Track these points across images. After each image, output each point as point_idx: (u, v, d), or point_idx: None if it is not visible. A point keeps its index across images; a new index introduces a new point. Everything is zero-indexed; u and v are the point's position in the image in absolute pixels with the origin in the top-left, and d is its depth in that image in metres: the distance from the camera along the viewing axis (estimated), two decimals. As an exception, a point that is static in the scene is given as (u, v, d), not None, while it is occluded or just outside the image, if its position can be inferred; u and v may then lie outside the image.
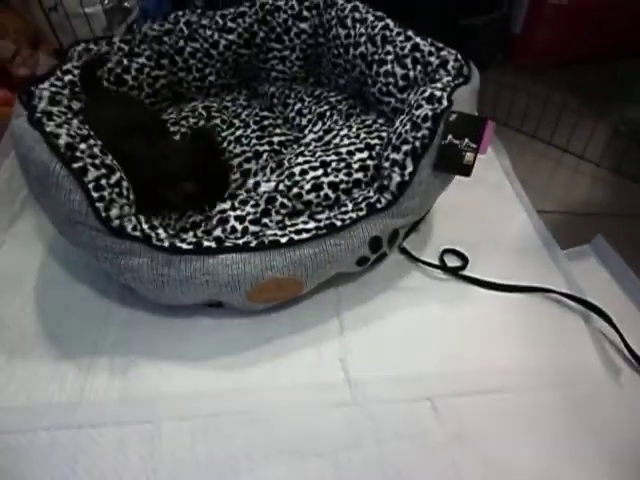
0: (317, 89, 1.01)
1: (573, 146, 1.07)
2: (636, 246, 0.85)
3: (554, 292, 0.76)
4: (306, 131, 0.93)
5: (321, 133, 0.88)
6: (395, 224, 0.72)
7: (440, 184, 0.75)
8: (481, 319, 0.74)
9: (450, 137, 0.69)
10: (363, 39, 0.89)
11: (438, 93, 0.72)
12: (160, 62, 0.97)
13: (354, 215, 0.69)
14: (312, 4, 0.98)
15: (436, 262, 0.81)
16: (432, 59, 0.80)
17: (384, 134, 0.82)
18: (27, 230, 0.88)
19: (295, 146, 0.88)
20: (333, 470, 0.58)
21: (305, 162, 0.77)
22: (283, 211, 0.72)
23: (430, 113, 0.70)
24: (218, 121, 0.96)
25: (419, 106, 0.72)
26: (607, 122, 1.09)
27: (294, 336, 0.71)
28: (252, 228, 0.70)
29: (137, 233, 0.65)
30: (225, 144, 0.91)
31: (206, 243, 0.65)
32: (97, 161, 0.65)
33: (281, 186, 0.74)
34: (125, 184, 0.68)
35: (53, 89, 0.73)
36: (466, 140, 0.69)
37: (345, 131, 0.85)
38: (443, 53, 0.80)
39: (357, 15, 0.91)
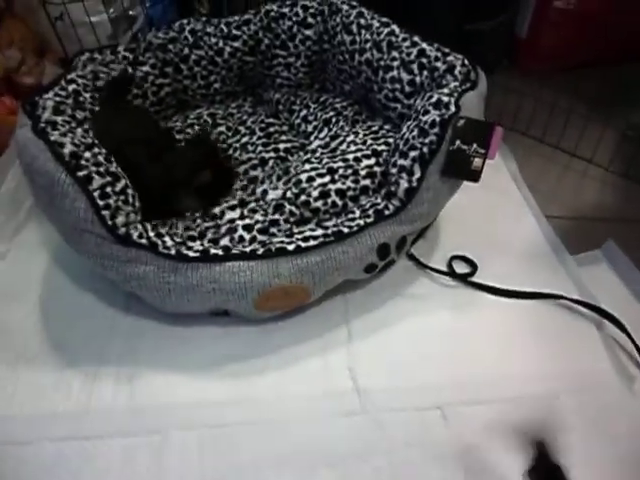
0: (322, 95, 1.01)
1: (581, 150, 1.06)
2: (647, 251, 0.84)
3: (565, 299, 0.75)
4: (312, 137, 0.93)
5: (327, 139, 0.87)
6: (403, 231, 0.71)
7: (448, 190, 0.74)
8: (491, 326, 0.73)
9: (458, 143, 0.68)
10: (369, 45, 0.89)
11: (445, 99, 0.71)
12: (164, 70, 0.97)
13: (362, 222, 0.69)
14: (317, 11, 0.98)
15: (444, 268, 0.80)
16: (439, 64, 0.80)
17: (391, 140, 0.81)
18: (32, 239, 0.87)
19: (301, 153, 0.88)
20: (343, 481, 0.57)
21: (312, 169, 0.77)
22: (291, 219, 0.72)
23: (438, 119, 0.69)
24: (223, 128, 0.96)
25: (426, 112, 0.72)
26: (615, 126, 1.08)
27: (301, 345, 0.70)
28: (260, 237, 0.69)
29: (143, 241, 0.64)
30: (231, 151, 0.91)
31: (213, 251, 0.65)
32: (102, 169, 0.65)
33: (289, 194, 0.73)
34: (130, 191, 0.68)
35: (57, 99, 0.73)
36: (474, 145, 0.68)
37: (351, 137, 0.84)
38: (450, 58, 0.79)
39: (362, 21, 0.91)
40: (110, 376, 0.67)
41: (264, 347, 0.70)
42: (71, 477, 0.58)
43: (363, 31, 0.90)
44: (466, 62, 0.79)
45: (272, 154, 0.89)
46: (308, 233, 0.68)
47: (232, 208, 0.76)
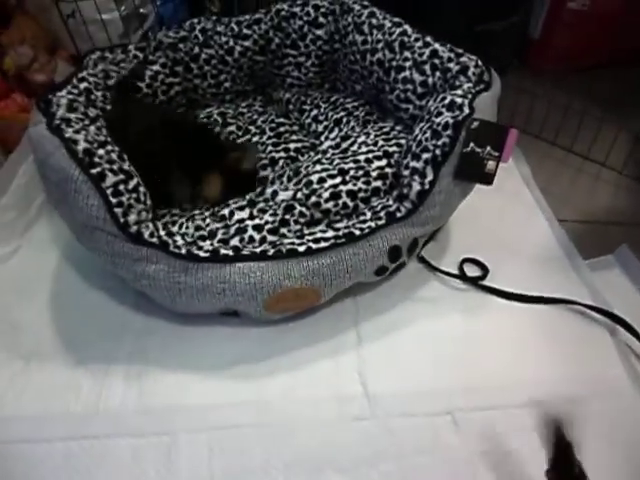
0: (333, 95, 1.00)
1: (594, 153, 1.05)
2: (661, 256, 0.82)
3: (578, 304, 0.74)
4: (322, 138, 0.92)
5: (338, 140, 0.87)
6: (415, 233, 0.70)
7: (460, 193, 0.73)
8: (502, 331, 0.73)
9: (472, 145, 0.67)
10: (380, 45, 0.88)
11: (459, 100, 0.71)
12: (174, 69, 0.96)
13: (373, 224, 0.68)
14: (328, 10, 0.98)
15: (455, 271, 0.80)
16: (451, 65, 0.79)
17: (402, 141, 0.80)
18: (43, 236, 0.88)
19: (312, 153, 0.87)
20: (352, 486, 0.57)
21: (323, 170, 0.76)
22: (301, 220, 0.71)
23: (451, 121, 0.68)
24: (234, 127, 0.96)
25: (439, 113, 0.71)
26: (629, 129, 1.07)
27: (311, 347, 0.70)
28: (270, 238, 0.69)
29: (154, 240, 0.64)
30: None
31: (223, 251, 0.65)
32: (115, 167, 0.65)
33: (299, 194, 0.73)
34: (142, 189, 0.68)
35: (70, 96, 0.73)
36: (488, 148, 0.68)
37: (363, 138, 0.83)
38: (463, 59, 0.78)
39: (374, 21, 0.90)
40: (120, 375, 0.67)
41: (274, 348, 0.69)
42: (81, 476, 0.58)
43: (375, 31, 0.89)
44: (480, 63, 0.78)
45: (282, 154, 0.88)
46: (319, 234, 0.68)
47: (241, 208, 0.75)
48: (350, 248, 0.66)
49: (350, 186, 0.74)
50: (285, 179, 0.81)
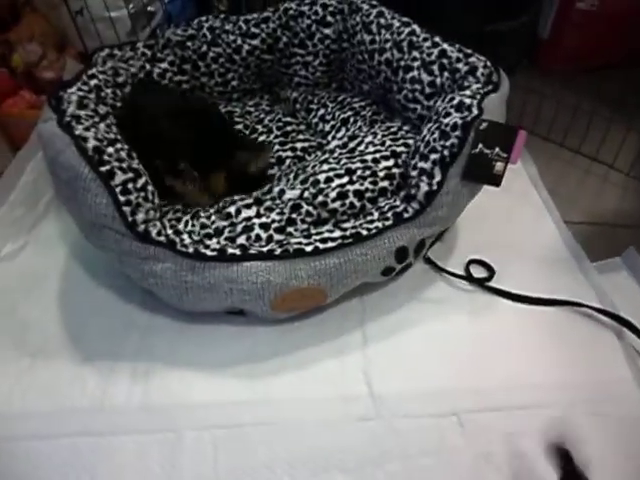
0: (340, 95, 1.00)
1: (603, 155, 1.04)
2: (669, 259, 0.82)
3: (585, 306, 0.74)
4: (329, 137, 0.92)
5: (345, 139, 0.87)
6: (422, 234, 0.70)
7: (468, 194, 0.73)
8: (509, 332, 0.72)
9: (480, 146, 0.67)
10: (389, 45, 0.87)
11: (467, 101, 0.70)
12: (182, 67, 0.97)
13: (380, 224, 0.68)
14: (336, 9, 0.97)
15: (461, 272, 0.80)
16: (460, 66, 0.78)
17: (410, 141, 0.80)
18: (50, 233, 0.88)
19: (319, 153, 0.87)
20: (357, 486, 0.57)
21: (330, 169, 0.76)
22: (308, 219, 0.71)
23: (460, 121, 0.68)
24: (241, 126, 0.96)
25: (447, 114, 0.71)
26: (638, 130, 1.06)
27: (317, 347, 0.70)
28: (277, 236, 0.69)
29: (162, 238, 0.65)
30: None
31: (230, 250, 0.65)
32: (124, 165, 0.65)
33: (306, 194, 0.73)
34: (150, 188, 0.68)
35: (80, 93, 0.73)
36: (496, 149, 0.67)
37: (370, 138, 0.83)
38: (472, 60, 0.78)
39: (383, 21, 0.90)
40: (125, 372, 0.67)
41: (280, 347, 0.69)
42: (86, 472, 0.58)
43: (383, 31, 0.89)
44: (488, 64, 0.78)
45: (289, 153, 0.88)
46: (326, 234, 0.68)
47: (248, 206, 0.75)
48: (357, 248, 0.65)
49: (357, 186, 0.73)
50: (292, 177, 0.81)
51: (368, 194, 0.73)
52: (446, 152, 0.68)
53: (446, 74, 0.80)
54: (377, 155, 0.78)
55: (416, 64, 0.83)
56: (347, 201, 0.72)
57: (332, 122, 0.94)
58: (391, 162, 0.77)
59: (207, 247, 0.65)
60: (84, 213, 0.64)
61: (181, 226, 0.71)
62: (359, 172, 0.75)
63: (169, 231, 0.67)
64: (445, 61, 0.80)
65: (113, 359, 0.69)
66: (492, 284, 0.78)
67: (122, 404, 0.64)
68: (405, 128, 0.86)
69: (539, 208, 0.93)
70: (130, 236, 0.63)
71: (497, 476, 0.58)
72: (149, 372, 0.67)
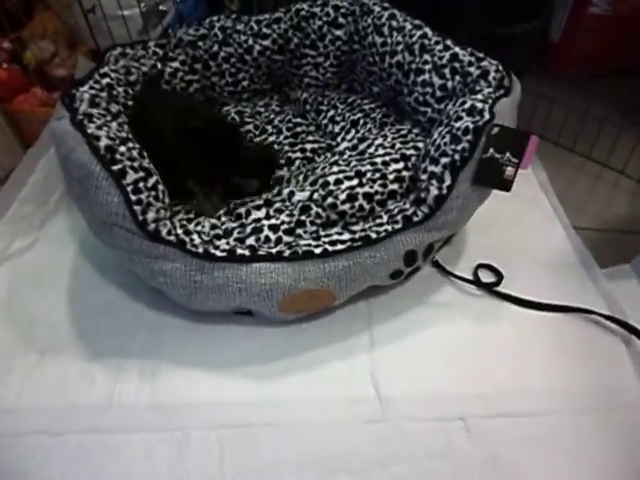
0: (350, 96, 1.00)
1: (613, 161, 1.03)
2: (679, 267, 0.81)
3: (594, 313, 0.74)
4: (339, 139, 0.92)
5: (355, 142, 0.87)
6: (431, 238, 0.70)
7: (478, 198, 0.73)
8: (516, 338, 0.72)
9: (491, 151, 0.67)
10: (400, 47, 0.87)
11: (479, 105, 0.70)
12: (194, 67, 0.97)
13: (389, 228, 0.68)
14: (348, 11, 0.97)
15: (470, 277, 0.79)
16: (472, 69, 0.78)
17: (420, 145, 0.80)
18: (60, 230, 0.89)
19: (329, 154, 0.87)
20: (364, 489, 0.57)
21: (340, 171, 0.76)
22: (317, 221, 0.71)
23: (471, 126, 0.68)
24: (251, 127, 0.96)
25: (459, 118, 0.71)
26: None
27: (324, 348, 0.70)
28: (286, 238, 0.69)
29: (172, 238, 0.65)
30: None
31: (239, 251, 0.65)
32: (135, 164, 0.65)
33: (315, 195, 0.73)
34: (161, 187, 0.68)
35: (92, 91, 0.73)
36: (507, 154, 0.67)
37: (380, 140, 0.83)
38: (484, 64, 0.78)
39: (394, 23, 0.90)
40: (133, 370, 0.68)
41: (287, 349, 0.70)
42: (94, 469, 0.59)
43: (395, 33, 0.89)
44: (500, 68, 0.78)
45: (299, 154, 0.89)
46: (335, 237, 0.68)
47: (257, 208, 0.76)
48: (366, 251, 0.66)
49: (367, 188, 0.74)
50: (301, 179, 0.81)
51: (377, 197, 0.73)
52: (457, 156, 0.68)
53: (457, 77, 0.80)
54: (387, 158, 0.78)
55: (427, 67, 0.83)
56: (356, 203, 0.72)
57: (342, 123, 0.94)
58: (401, 165, 0.77)
59: (217, 247, 0.66)
60: (95, 211, 0.65)
61: (191, 226, 0.71)
62: (369, 174, 0.75)
63: (179, 231, 0.67)
64: (457, 64, 0.80)
65: (121, 356, 0.69)
66: (500, 289, 0.78)
67: (130, 402, 0.64)
68: (415, 131, 0.86)
69: (548, 214, 0.92)
70: (140, 235, 0.64)
71: (503, 481, 0.58)
72: (157, 370, 0.68)
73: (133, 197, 0.63)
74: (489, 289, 0.78)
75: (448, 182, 0.68)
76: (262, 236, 0.70)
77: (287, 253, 0.65)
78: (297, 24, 0.99)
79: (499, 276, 0.79)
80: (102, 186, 0.62)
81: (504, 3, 1.06)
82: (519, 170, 0.68)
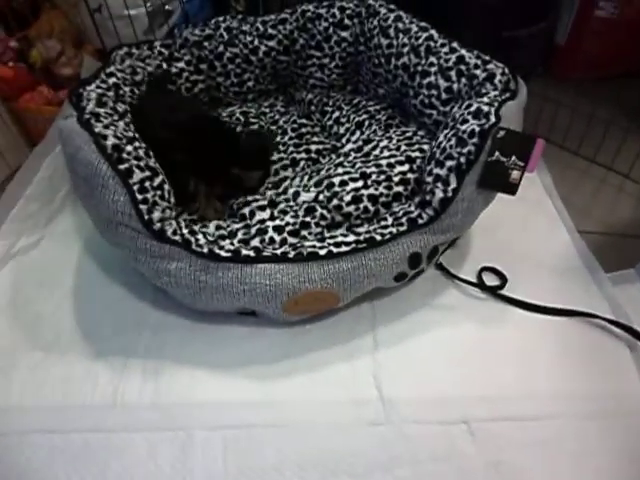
0: (355, 97, 1.00)
1: (618, 165, 1.03)
2: (684, 272, 0.81)
3: (598, 317, 0.73)
4: (344, 140, 0.92)
5: (360, 143, 0.87)
6: (436, 240, 0.70)
7: (483, 201, 0.73)
8: (520, 341, 0.72)
9: (497, 154, 0.67)
10: (406, 49, 0.87)
11: (485, 108, 0.70)
12: (199, 67, 0.97)
13: (394, 230, 0.68)
14: (354, 13, 0.97)
15: (474, 280, 0.79)
16: (478, 72, 0.78)
17: (425, 147, 0.80)
18: (65, 228, 0.89)
19: (333, 156, 0.87)
20: (367, 491, 0.57)
21: (345, 173, 0.76)
22: (322, 222, 0.71)
23: (477, 129, 0.68)
24: (256, 127, 0.96)
25: (465, 121, 0.71)
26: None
27: (328, 349, 0.70)
28: (290, 240, 0.69)
29: (177, 237, 0.65)
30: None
31: (244, 252, 0.65)
32: (142, 163, 0.66)
33: (321, 197, 0.73)
34: (167, 187, 0.68)
35: (99, 91, 0.74)
36: (513, 158, 0.67)
37: (385, 142, 0.83)
38: (490, 66, 0.78)
39: (400, 25, 0.90)
40: (137, 370, 0.68)
41: (291, 350, 0.70)
42: (97, 468, 0.59)
43: (401, 35, 0.89)
44: (506, 71, 0.77)
45: (303, 155, 0.89)
46: (340, 238, 0.68)
47: (262, 208, 0.76)
48: (371, 253, 0.65)
49: (372, 190, 0.74)
50: (306, 180, 0.81)
51: (382, 199, 0.73)
52: (462, 159, 0.68)
53: (463, 80, 0.80)
54: (392, 160, 0.78)
55: (433, 69, 0.83)
56: (361, 205, 0.72)
57: (347, 125, 0.94)
58: (406, 167, 0.77)
59: (221, 248, 0.66)
60: (101, 210, 0.65)
61: (197, 226, 0.71)
62: (374, 176, 0.75)
63: (184, 230, 0.67)
64: (463, 67, 0.80)
65: (125, 356, 0.69)
66: (504, 292, 0.77)
67: (134, 401, 0.64)
68: (420, 133, 0.86)
69: (553, 217, 0.92)
70: (146, 234, 0.64)
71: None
72: (161, 370, 0.68)
73: (139, 196, 0.63)
74: (493, 292, 0.78)
75: (454, 185, 0.68)
76: (267, 237, 0.70)
77: (292, 254, 0.65)
78: (303, 25, 0.99)
79: (503, 279, 0.79)
80: (108, 185, 0.62)
81: (510, 6, 1.06)
82: (525, 174, 0.68)
